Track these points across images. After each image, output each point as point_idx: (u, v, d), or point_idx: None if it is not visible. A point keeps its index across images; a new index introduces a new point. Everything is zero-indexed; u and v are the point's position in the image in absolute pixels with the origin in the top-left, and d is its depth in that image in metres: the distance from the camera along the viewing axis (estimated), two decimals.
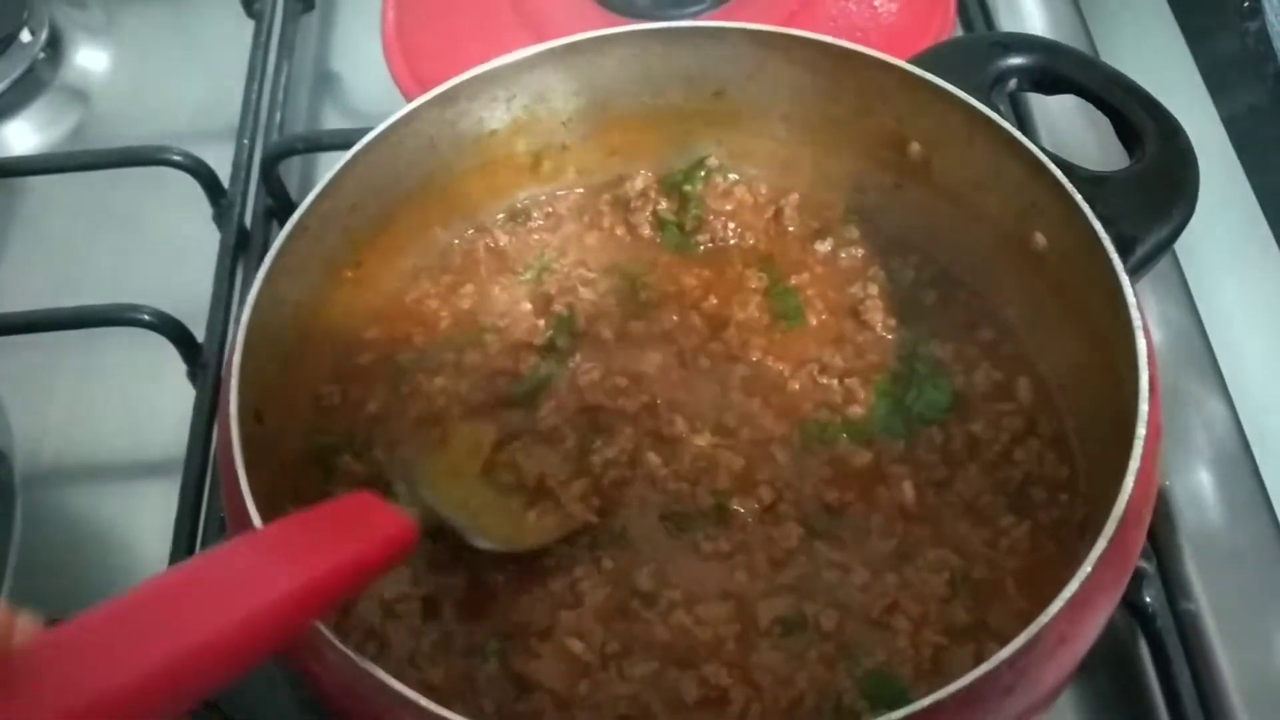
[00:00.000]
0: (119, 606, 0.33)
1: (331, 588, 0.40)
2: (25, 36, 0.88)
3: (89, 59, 0.92)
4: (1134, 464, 0.44)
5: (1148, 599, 0.57)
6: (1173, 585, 0.59)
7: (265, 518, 0.46)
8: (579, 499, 0.55)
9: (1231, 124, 0.79)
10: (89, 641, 0.32)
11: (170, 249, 0.79)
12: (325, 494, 0.57)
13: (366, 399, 0.60)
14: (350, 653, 0.41)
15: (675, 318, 0.63)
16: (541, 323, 0.62)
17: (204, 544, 0.63)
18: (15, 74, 0.87)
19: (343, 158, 0.57)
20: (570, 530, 0.55)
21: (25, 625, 0.32)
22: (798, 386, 0.60)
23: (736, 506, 0.55)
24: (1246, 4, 0.80)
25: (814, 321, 0.62)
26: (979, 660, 0.48)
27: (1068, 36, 0.81)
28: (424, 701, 0.40)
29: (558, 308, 0.62)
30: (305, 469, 0.57)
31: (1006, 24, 0.83)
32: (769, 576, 0.53)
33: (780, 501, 0.56)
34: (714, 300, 0.63)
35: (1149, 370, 0.47)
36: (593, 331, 0.62)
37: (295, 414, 0.57)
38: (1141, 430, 0.45)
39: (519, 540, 0.54)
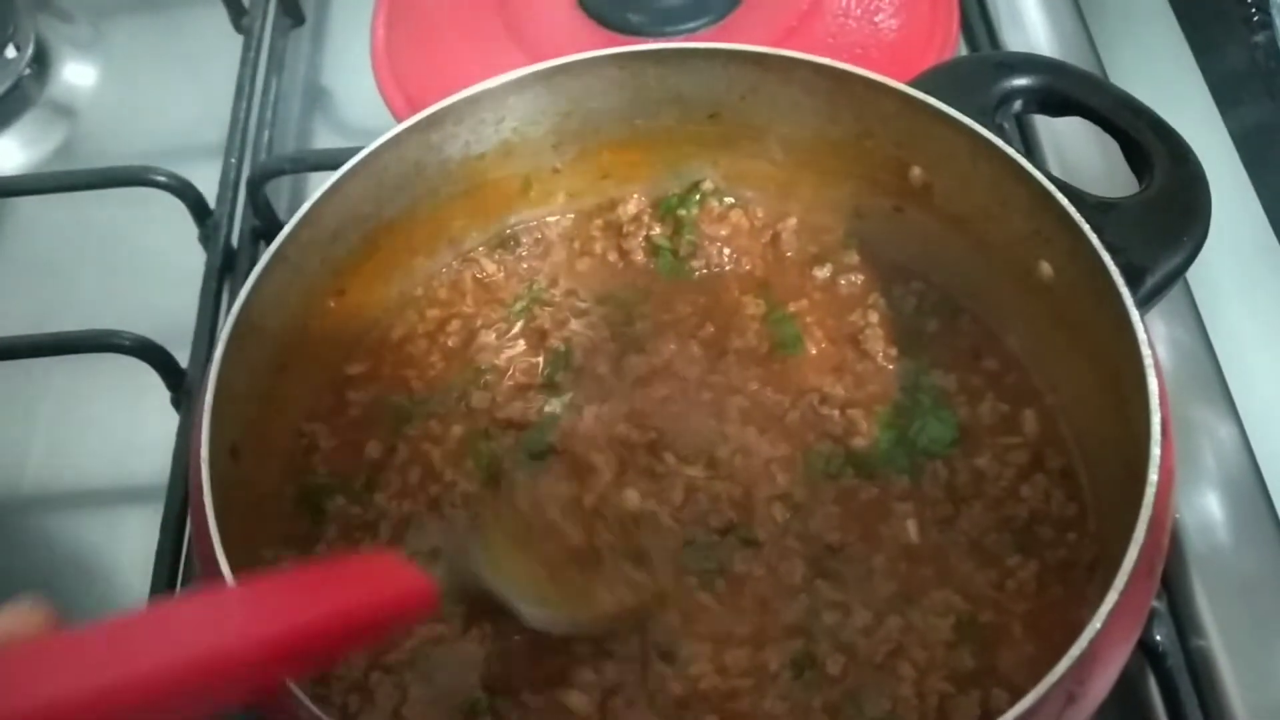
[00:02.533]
0: (110, 624, 0.34)
1: (316, 639, 0.38)
2: (10, 52, 0.87)
3: (76, 75, 0.90)
4: (1145, 512, 0.42)
5: (1158, 637, 0.56)
6: (1183, 622, 0.57)
7: (238, 560, 0.44)
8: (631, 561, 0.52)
9: (1241, 140, 0.78)
10: (63, 651, 0.33)
11: (156, 271, 0.78)
12: (316, 537, 0.56)
13: (365, 442, 0.58)
14: (321, 715, 0.39)
15: (673, 347, 0.61)
16: (540, 360, 0.61)
17: (186, 573, 0.61)
18: (0, 90, 0.86)
19: (323, 185, 0.55)
20: (643, 602, 0.51)
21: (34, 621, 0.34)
22: (798, 417, 0.58)
23: (759, 534, 0.54)
24: (1255, 16, 0.78)
25: (813, 350, 0.61)
26: (985, 709, 0.47)
27: (1074, 53, 0.80)
28: None
29: (554, 343, 0.61)
30: (294, 511, 0.56)
31: (1011, 40, 0.81)
32: (776, 619, 0.52)
33: (787, 535, 0.54)
34: (711, 328, 0.62)
35: (1161, 412, 0.45)
36: (590, 366, 0.60)
37: (275, 450, 0.56)
38: (1153, 476, 0.43)
39: (587, 619, 0.50)
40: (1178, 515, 0.60)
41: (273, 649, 0.37)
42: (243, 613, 0.37)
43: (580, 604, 0.50)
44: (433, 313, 0.63)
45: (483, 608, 0.49)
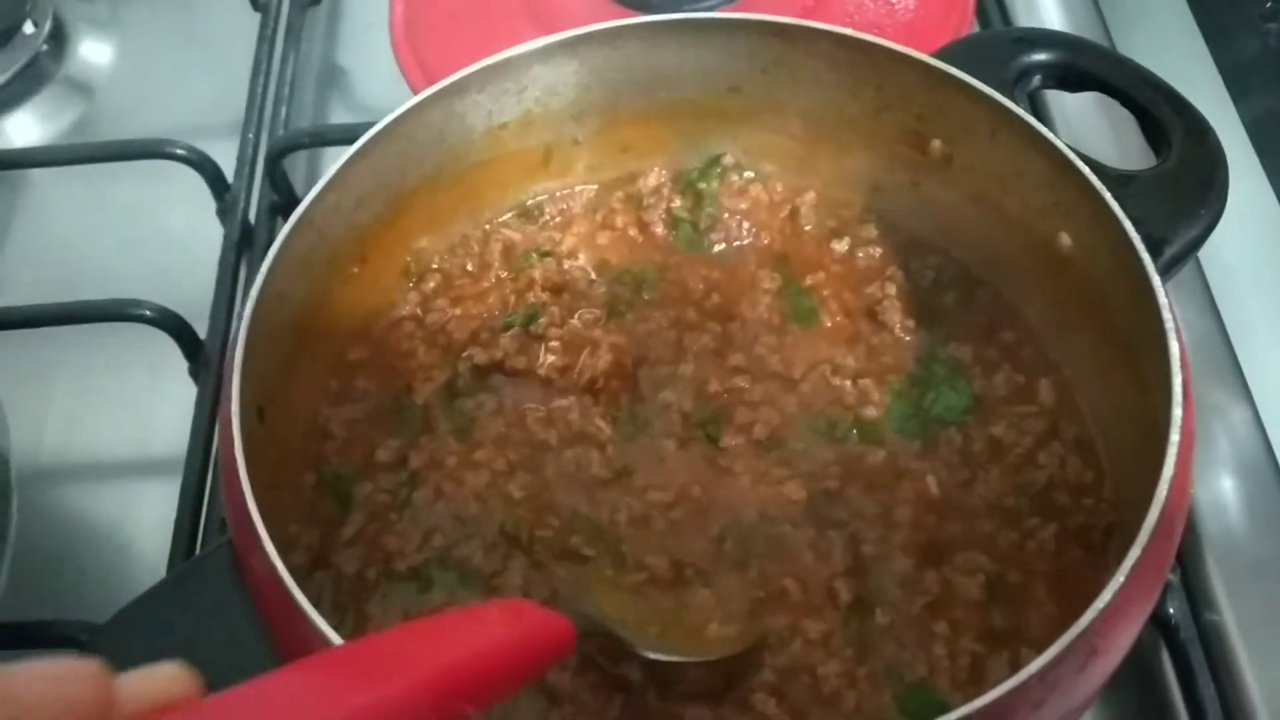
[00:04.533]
0: (253, 689, 0.32)
1: (464, 683, 0.36)
2: (28, 28, 0.88)
3: (93, 51, 0.91)
4: (1168, 471, 0.43)
5: (1171, 610, 0.56)
6: (1196, 596, 0.58)
7: (265, 516, 0.44)
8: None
9: (1253, 126, 0.78)
10: None
11: (173, 244, 0.78)
12: (342, 522, 0.55)
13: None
14: None
15: (688, 315, 0.61)
16: (544, 320, 0.61)
17: (204, 545, 0.61)
18: (18, 66, 0.87)
19: (350, 149, 0.55)
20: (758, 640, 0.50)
21: (182, 690, 0.32)
22: (809, 388, 0.58)
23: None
24: (1268, 4, 0.79)
25: (829, 323, 0.61)
26: (1015, 668, 0.47)
27: (1087, 36, 0.80)
28: None
29: (563, 296, 0.61)
30: (316, 490, 0.56)
31: (1025, 23, 0.81)
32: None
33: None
34: (723, 299, 0.62)
35: (1182, 375, 0.45)
36: (590, 330, 0.60)
37: (298, 414, 0.56)
38: (1175, 437, 0.43)
39: (698, 650, 0.49)
40: (1191, 493, 0.61)
41: (420, 695, 0.34)
42: (382, 663, 0.35)
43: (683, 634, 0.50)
44: (460, 282, 0.62)
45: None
